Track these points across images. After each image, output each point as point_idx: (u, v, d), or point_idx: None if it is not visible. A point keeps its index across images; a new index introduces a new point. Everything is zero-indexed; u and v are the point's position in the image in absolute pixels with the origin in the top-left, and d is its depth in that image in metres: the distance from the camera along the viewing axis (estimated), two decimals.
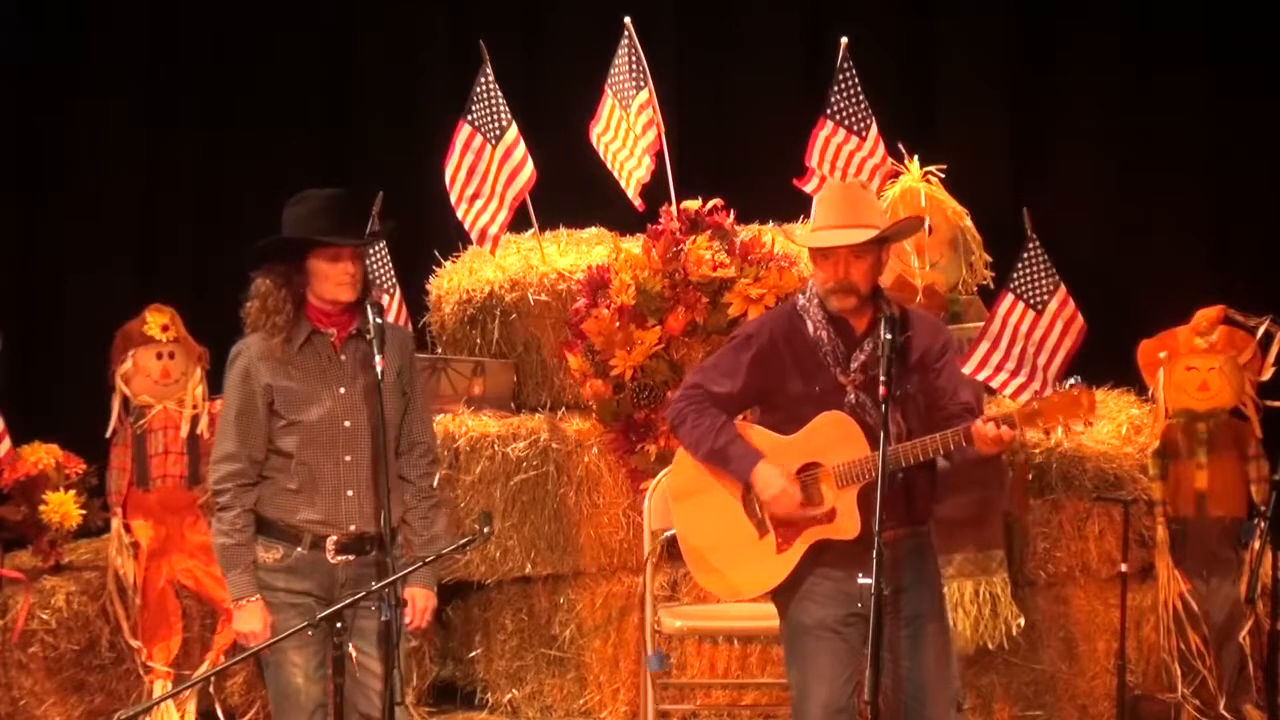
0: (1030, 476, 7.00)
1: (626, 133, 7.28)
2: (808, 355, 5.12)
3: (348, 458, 5.19)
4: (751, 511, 5.17)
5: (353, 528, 5.19)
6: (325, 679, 5.12)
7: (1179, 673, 6.86)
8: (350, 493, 5.19)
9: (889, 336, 4.96)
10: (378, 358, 5.08)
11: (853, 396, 5.06)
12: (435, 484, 5.46)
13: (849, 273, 5.06)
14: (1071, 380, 4.93)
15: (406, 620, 5.29)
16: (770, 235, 7.30)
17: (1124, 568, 6.81)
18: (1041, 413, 4.95)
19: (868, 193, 5.30)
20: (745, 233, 7.28)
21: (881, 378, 4.93)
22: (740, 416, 5.26)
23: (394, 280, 7.46)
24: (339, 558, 5.20)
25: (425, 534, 5.37)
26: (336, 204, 5.27)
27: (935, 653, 5.14)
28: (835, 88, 7.19)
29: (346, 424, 5.20)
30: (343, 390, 5.21)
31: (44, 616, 6.93)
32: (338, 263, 5.18)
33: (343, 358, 5.23)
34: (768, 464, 5.11)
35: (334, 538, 5.20)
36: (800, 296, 5.20)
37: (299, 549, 5.20)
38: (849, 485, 5.05)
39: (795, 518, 5.10)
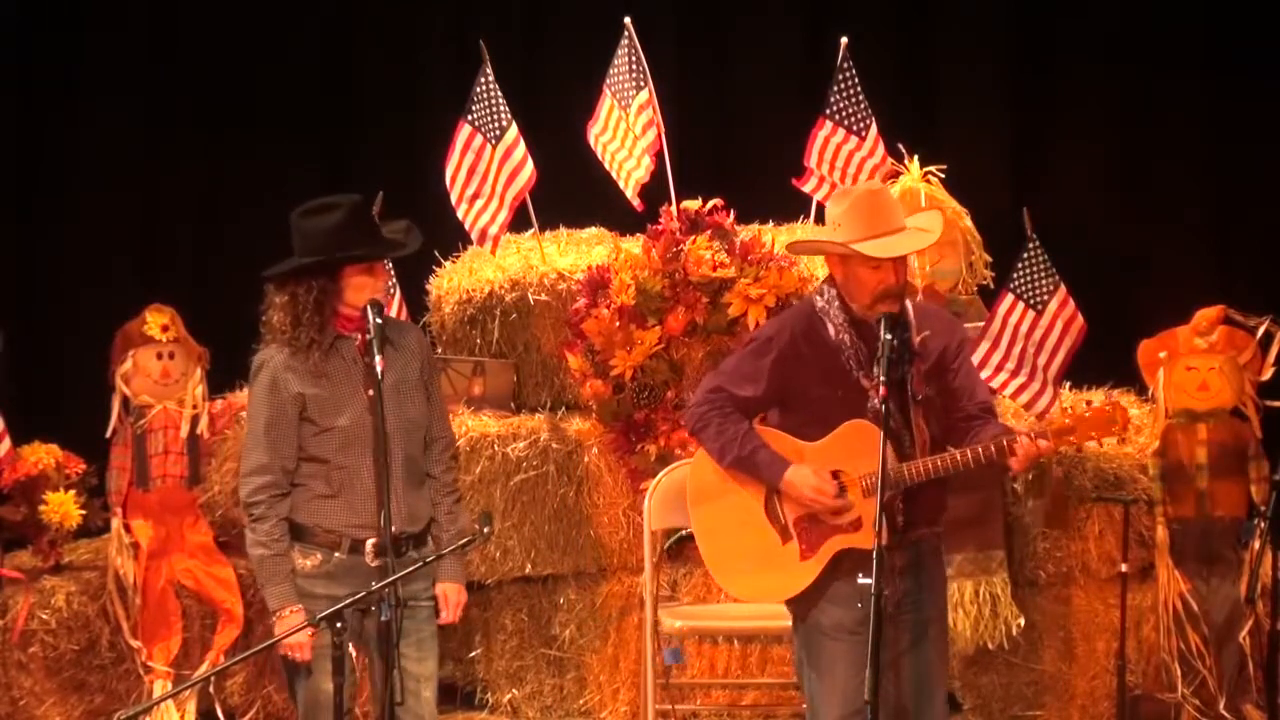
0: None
1: (625, 133, 7.28)
2: (829, 359, 5.07)
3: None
4: (774, 517, 5.12)
5: (393, 528, 5.16)
6: (354, 685, 5.12)
7: (1179, 673, 6.85)
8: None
9: (888, 336, 4.93)
10: (378, 358, 5.09)
11: (875, 401, 4.97)
12: (455, 478, 5.48)
13: (899, 277, 5.04)
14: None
15: (440, 616, 5.32)
16: (770, 235, 7.31)
17: (1124, 568, 6.80)
18: (1075, 429, 4.93)
19: (890, 193, 5.31)
20: (745, 233, 7.27)
21: (880, 378, 4.90)
22: (759, 418, 5.22)
23: (394, 280, 7.45)
24: (379, 560, 5.17)
25: (452, 529, 5.38)
26: (364, 214, 5.29)
27: (938, 653, 5.15)
28: (835, 88, 7.19)
29: None
30: (371, 392, 5.20)
31: (44, 616, 6.93)
32: (375, 276, 5.22)
33: (366, 359, 5.22)
34: (798, 466, 5.07)
35: (373, 540, 5.19)
36: (818, 298, 5.14)
37: (337, 554, 5.20)
38: (874, 495, 4.94)
39: (829, 508, 5.03)
